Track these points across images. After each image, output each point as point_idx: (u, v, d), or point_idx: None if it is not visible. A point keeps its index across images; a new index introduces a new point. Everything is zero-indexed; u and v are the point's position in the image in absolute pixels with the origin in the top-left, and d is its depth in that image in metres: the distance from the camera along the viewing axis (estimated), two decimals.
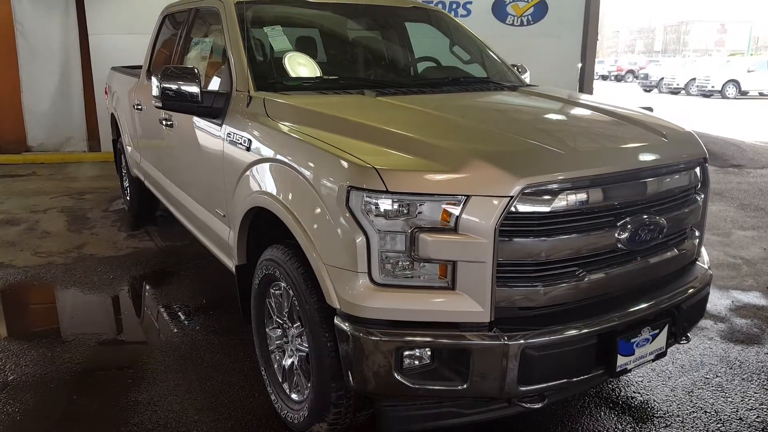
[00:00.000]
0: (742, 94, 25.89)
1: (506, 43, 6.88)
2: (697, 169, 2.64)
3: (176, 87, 3.02)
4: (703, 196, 2.69)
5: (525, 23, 10.33)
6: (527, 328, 2.09)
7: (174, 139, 3.92)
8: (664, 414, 2.89)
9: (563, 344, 2.10)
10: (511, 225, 2.03)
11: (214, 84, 3.22)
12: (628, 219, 2.26)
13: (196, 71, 3.06)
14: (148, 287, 4.45)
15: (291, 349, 2.62)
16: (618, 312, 2.26)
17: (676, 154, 2.53)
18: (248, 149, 2.74)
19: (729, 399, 3.02)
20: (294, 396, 2.63)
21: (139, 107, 4.81)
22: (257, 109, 2.82)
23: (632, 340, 2.29)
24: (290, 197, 2.41)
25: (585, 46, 9.83)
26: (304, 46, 3.60)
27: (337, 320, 2.15)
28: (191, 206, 3.76)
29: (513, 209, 2.01)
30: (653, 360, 2.44)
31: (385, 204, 2.02)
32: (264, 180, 2.62)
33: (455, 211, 2.00)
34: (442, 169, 2.06)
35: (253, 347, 2.96)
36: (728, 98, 25.21)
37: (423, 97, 3.08)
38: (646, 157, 2.38)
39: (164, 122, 3.95)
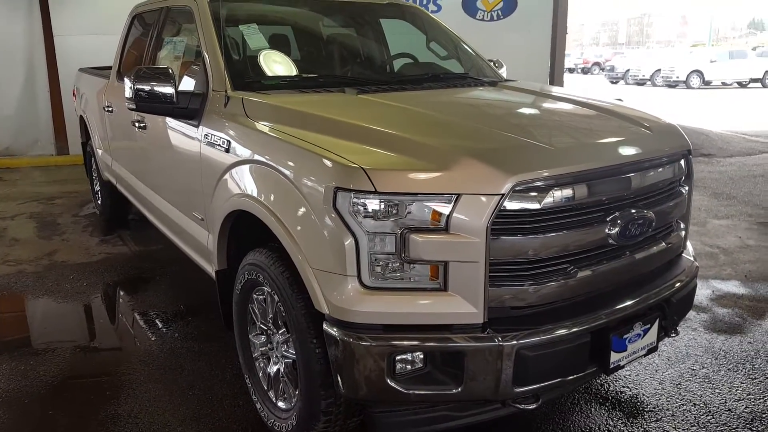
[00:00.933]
0: (706, 84, 26.32)
1: (477, 38, 6.82)
2: (682, 161, 2.62)
3: (150, 88, 2.91)
4: (687, 188, 2.67)
5: (495, 18, 10.32)
6: (520, 327, 2.04)
7: (147, 142, 3.80)
8: (654, 408, 2.87)
9: (557, 343, 2.06)
10: (502, 223, 1.98)
11: (189, 84, 3.11)
12: (617, 213, 2.22)
13: (170, 71, 2.95)
14: (123, 294, 4.31)
15: (276, 356, 2.54)
16: (609, 308, 2.23)
17: (662, 146, 2.51)
18: (227, 151, 2.65)
19: (717, 390, 3.02)
20: (281, 404, 2.55)
21: (110, 109, 4.67)
22: (235, 109, 2.73)
23: (624, 336, 2.26)
24: (273, 199, 2.32)
25: (555, 39, 9.85)
26: (279, 44, 3.50)
27: (325, 326, 2.08)
28: (167, 210, 3.65)
29: (504, 207, 1.96)
30: (645, 355, 2.42)
31: (374, 205, 1.95)
32: (245, 182, 2.53)
33: (446, 210, 1.94)
34: (431, 167, 1.99)
35: (235, 354, 2.87)
36: (693, 88, 25.61)
37: (404, 94, 3.02)
38: (634, 151, 2.34)
39: (137, 124, 3.83)
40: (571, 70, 39.16)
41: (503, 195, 1.93)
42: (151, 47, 4.00)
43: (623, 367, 2.33)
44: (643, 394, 2.98)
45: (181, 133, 3.17)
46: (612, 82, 30.44)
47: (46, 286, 4.38)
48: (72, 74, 6.63)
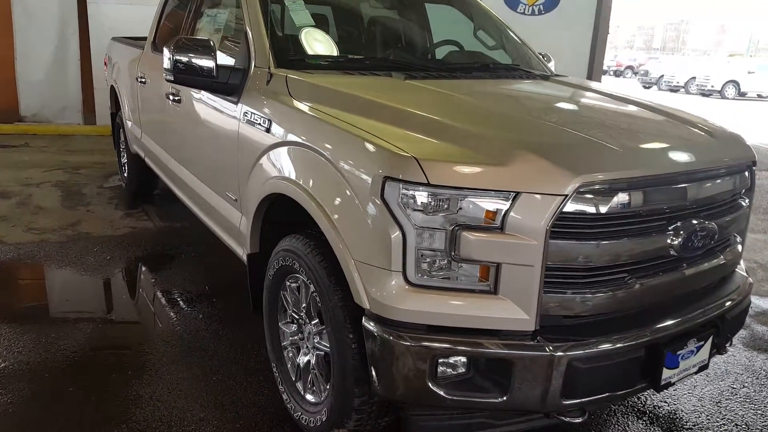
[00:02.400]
0: (741, 95, 25.75)
1: (516, 31, 6.67)
2: (746, 172, 2.48)
3: (189, 60, 2.82)
4: (748, 201, 2.53)
5: (536, 12, 10.11)
6: (571, 338, 1.93)
7: (181, 116, 3.72)
8: (694, 426, 2.75)
9: (610, 356, 1.95)
10: (561, 226, 1.86)
11: (229, 59, 3.02)
12: (680, 224, 2.09)
13: (211, 44, 2.86)
14: (146, 270, 4.26)
15: (307, 347, 2.45)
16: (665, 322, 2.11)
17: (729, 156, 2.37)
18: (268, 130, 2.55)
19: (759, 411, 2.89)
20: (309, 397, 2.47)
21: (143, 80, 4.59)
22: (278, 87, 2.63)
23: (678, 353, 2.14)
24: (315, 185, 2.22)
25: (595, 38, 9.63)
26: (322, 23, 3.39)
27: (365, 321, 1.98)
28: (198, 188, 3.57)
29: (565, 209, 1.84)
30: (695, 373, 2.29)
31: (425, 197, 1.84)
32: (285, 164, 2.43)
33: (502, 208, 1.83)
34: (489, 161, 1.88)
35: (261, 341, 2.79)
36: (727, 98, 25.07)
37: (455, 82, 2.90)
38: (702, 159, 2.21)
39: (171, 97, 3.75)
40: (603, 72, 38.11)
41: (566, 196, 1.82)
42: (190, 19, 3.91)
43: (673, 384, 2.22)
44: (682, 411, 2.86)
45: (218, 109, 3.08)
46: (645, 87, 29.88)
47: (68, 258, 4.33)
48: (104, 43, 6.58)
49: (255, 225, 2.73)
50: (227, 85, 2.87)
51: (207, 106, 3.22)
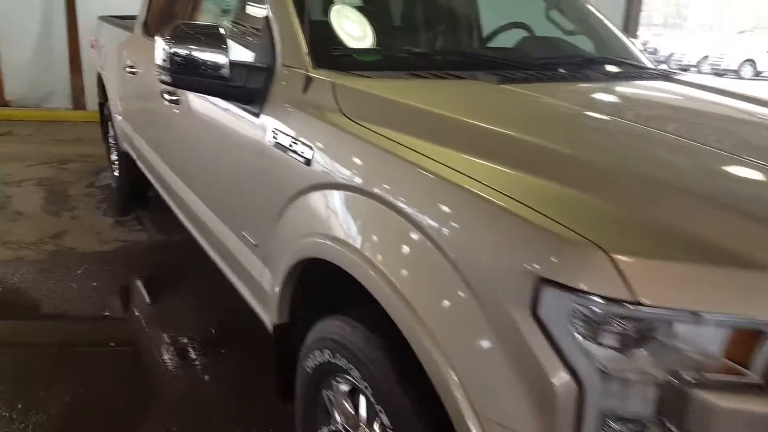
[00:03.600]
0: (758, 74, 24.44)
1: (537, 5, 5.76)
2: None
3: (191, 54, 1.94)
4: None
5: None
6: None
7: (180, 122, 2.82)
8: None
9: None
10: None
11: (245, 54, 2.15)
12: None
13: (221, 31, 1.98)
14: (139, 302, 3.39)
15: None
16: None
17: None
18: (308, 163, 1.68)
19: None
20: None
21: (132, 70, 3.68)
22: (322, 98, 1.75)
23: None
24: (395, 264, 1.36)
25: (628, 17, 8.65)
26: (369, 4, 2.49)
27: None
28: (203, 215, 2.70)
29: None
30: None
31: (626, 324, 1.00)
32: (338, 218, 1.57)
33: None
34: (746, 259, 1.03)
35: (288, 422, 1.96)
36: (744, 78, 23.78)
37: (570, 87, 2.02)
38: None
39: (167, 96, 2.85)
40: None
41: None
42: None
43: None
44: None
45: (232, 120, 2.20)
46: None
47: (47, 285, 3.45)
48: (92, 20, 5.59)
49: (286, 289, 1.88)
50: (244, 89, 1.99)
51: (216, 112, 2.34)
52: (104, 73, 4.72)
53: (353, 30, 2.09)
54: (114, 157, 5.01)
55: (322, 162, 1.64)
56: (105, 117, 5.15)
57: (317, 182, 1.66)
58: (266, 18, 2.08)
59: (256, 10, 2.25)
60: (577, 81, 2.14)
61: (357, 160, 1.54)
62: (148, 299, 3.42)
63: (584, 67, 2.33)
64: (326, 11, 2.08)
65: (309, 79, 1.81)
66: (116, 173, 5.02)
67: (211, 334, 3.04)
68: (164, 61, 1.99)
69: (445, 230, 1.24)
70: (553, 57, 2.45)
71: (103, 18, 5.13)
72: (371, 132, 1.54)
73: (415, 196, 1.35)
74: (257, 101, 1.99)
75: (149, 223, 4.54)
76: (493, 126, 1.49)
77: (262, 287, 2.11)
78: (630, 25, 8.50)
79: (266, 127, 1.93)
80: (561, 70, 2.21)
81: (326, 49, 1.98)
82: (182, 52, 1.96)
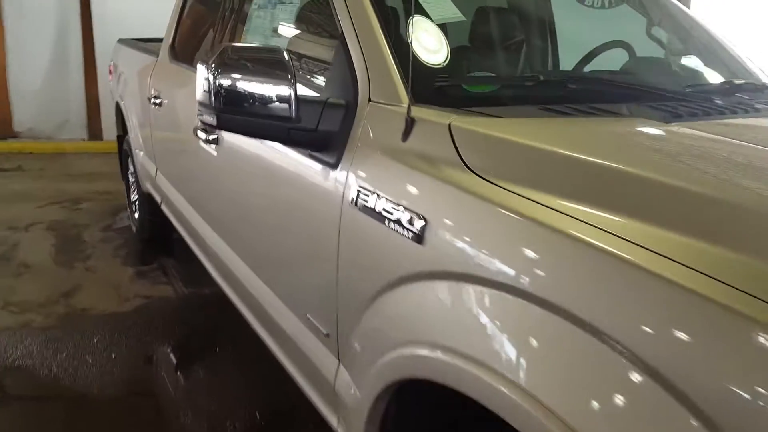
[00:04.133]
0: None
1: (576, 27, 5.32)
2: None
3: (246, 87, 1.56)
4: None
5: (605, 5, 8.70)
6: None
7: (220, 167, 2.43)
8: None
9: None
10: None
11: (306, 87, 1.76)
12: None
13: (285, 56, 1.58)
14: (167, 378, 2.99)
15: None
16: None
17: None
18: (419, 239, 1.27)
19: None
20: None
21: (157, 101, 3.33)
22: (435, 146, 1.33)
23: None
24: (591, 415, 0.93)
25: None
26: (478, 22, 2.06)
27: None
28: (250, 284, 2.28)
29: None
30: None
31: None
32: (472, 328, 1.14)
33: None
34: None
35: None
36: None
37: (757, 126, 1.58)
38: None
39: (202, 134, 2.48)
40: None
41: None
42: (231, 13, 2.64)
43: None
44: None
45: (295, 171, 1.80)
46: None
47: (56, 360, 3.07)
48: (111, 44, 5.31)
49: (376, 410, 1.45)
50: (316, 134, 1.59)
51: (270, 159, 1.95)
52: (123, 102, 4.40)
53: (460, 54, 1.69)
54: (134, 196, 4.67)
55: (442, 241, 1.22)
56: (124, 151, 4.83)
57: (433, 269, 1.24)
58: (341, 39, 1.69)
59: (322, 29, 1.86)
60: (748, 115, 1.69)
61: (504, 241, 1.11)
62: (178, 374, 3.02)
63: (735, 94, 1.89)
64: (423, 29, 1.68)
65: (411, 121, 1.39)
66: (136, 215, 4.68)
67: (255, 420, 2.62)
68: (207, 95, 1.61)
69: (669, 356, 0.82)
70: (697, 84, 2.02)
71: (122, 41, 4.84)
72: (521, 198, 1.12)
73: (610, 302, 0.93)
74: (333, 148, 1.59)
75: (174, 272, 4.17)
76: (701, 189, 1.05)
77: (335, 392, 1.68)
78: None
79: (348, 184, 1.52)
80: (717, 101, 1.78)
81: (427, 78, 1.57)
82: (233, 83, 1.58)
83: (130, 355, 3.16)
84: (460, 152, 1.27)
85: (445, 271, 1.21)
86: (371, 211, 1.41)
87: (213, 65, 1.59)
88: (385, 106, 1.51)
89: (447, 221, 1.23)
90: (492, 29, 1.97)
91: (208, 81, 1.60)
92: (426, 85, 1.52)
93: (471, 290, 1.16)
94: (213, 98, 1.60)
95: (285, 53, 1.59)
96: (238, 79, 1.58)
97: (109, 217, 5.28)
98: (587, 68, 2.44)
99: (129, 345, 3.25)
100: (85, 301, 3.75)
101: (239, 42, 2.40)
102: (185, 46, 3.26)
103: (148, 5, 6.75)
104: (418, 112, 1.40)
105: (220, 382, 2.94)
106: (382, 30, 1.62)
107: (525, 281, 1.05)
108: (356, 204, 1.47)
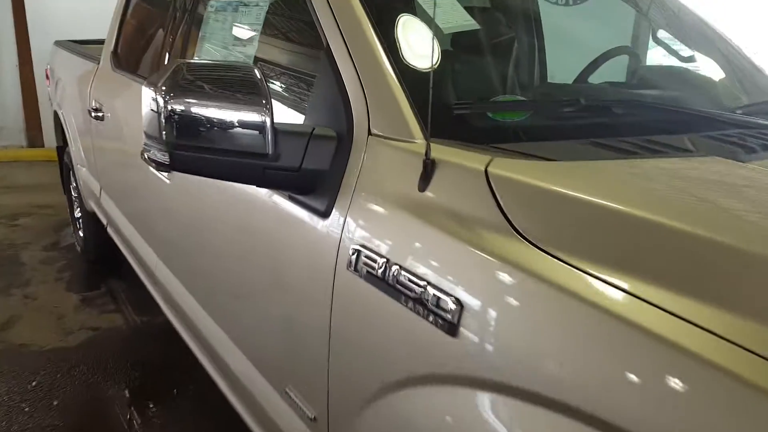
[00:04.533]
0: None
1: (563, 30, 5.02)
2: None
3: (208, 115, 1.18)
4: None
5: (570, 2, 8.50)
6: None
7: (176, 198, 2.02)
8: None
9: None
10: None
11: (286, 113, 1.38)
12: None
13: (259, 76, 1.20)
14: None
15: None
16: None
17: None
18: (453, 330, 0.91)
19: None
20: None
21: (99, 114, 2.87)
22: (465, 201, 0.97)
23: None
24: None
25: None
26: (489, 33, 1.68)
27: None
28: (213, 338, 1.86)
29: None
30: None
31: None
32: None
33: None
34: None
35: None
36: None
37: None
38: None
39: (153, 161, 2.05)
40: None
41: None
42: (179, 15, 2.22)
43: None
44: None
45: (272, 215, 1.42)
46: None
47: None
48: (48, 45, 4.75)
49: None
50: (300, 173, 1.22)
51: (238, 198, 1.56)
52: (62, 112, 3.89)
53: (478, 72, 1.33)
54: (78, 212, 4.18)
55: (484, 335, 0.87)
56: (65, 164, 4.31)
57: (469, 373, 0.89)
58: (326, 51, 1.31)
59: (300, 38, 1.48)
60: None
61: (577, 346, 0.77)
62: (132, 424, 2.59)
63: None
64: (432, 40, 1.31)
65: (431, 164, 1.03)
66: (80, 232, 4.19)
67: None
68: (156, 125, 1.21)
69: None
70: (748, 104, 1.71)
71: (60, 43, 4.30)
72: (599, 281, 0.78)
73: None
74: (322, 192, 1.22)
75: (124, 298, 3.71)
76: None
77: None
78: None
79: (343, 240, 1.15)
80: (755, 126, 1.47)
81: (444, 105, 1.21)
82: (190, 111, 1.19)
83: (75, 401, 2.71)
84: (506, 211, 0.92)
85: (486, 379, 0.87)
86: (379, 282, 1.05)
87: (164, 88, 1.20)
88: (392, 141, 1.15)
89: (491, 309, 0.88)
90: (513, 42, 1.61)
91: (158, 107, 1.21)
92: (441, 114, 1.16)
93: (524, 412, 0.82)
94: (164, 130, 1.21)
95: (257, 71, 1.21)
96: (198, 105, 1.19)
97: (50, 235, 4.74)
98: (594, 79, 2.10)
99: (73, 389, 2.80)
100: (23, 334, 3.27)
101: (194, 50, 1.98)
102: (130, 52, 2.82)
103: (91, 2, 6.19)
104: (439, 152, 1.04)
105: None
106: (379, 40, 1.25)
107: (618, 414, 0.71)
108: (355, 268, 1.11)
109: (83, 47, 3.82)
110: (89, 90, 3.06)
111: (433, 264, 0.97)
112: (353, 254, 1.11)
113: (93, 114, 2.91)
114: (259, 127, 1.18)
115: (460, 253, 0.93)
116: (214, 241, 1.78)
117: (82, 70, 3.34)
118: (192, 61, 1.41)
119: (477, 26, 1.37)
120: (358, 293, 1.10)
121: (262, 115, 1.18)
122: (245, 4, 1.73)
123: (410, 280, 0.98)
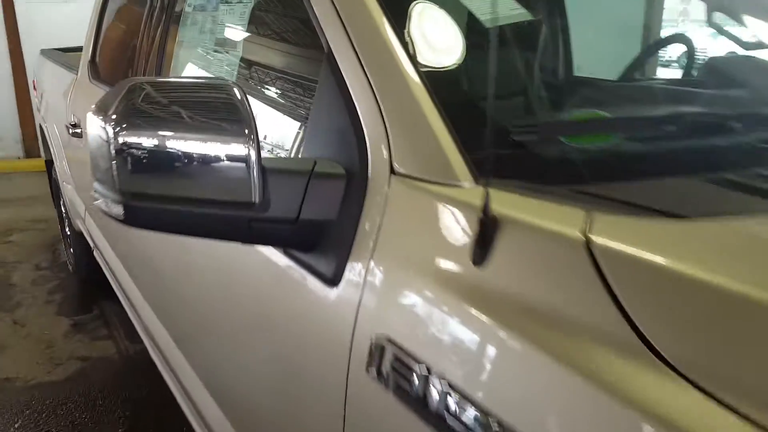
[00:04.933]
0: None
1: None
2: None
3: (174, 150, 0.82)
4: None
5: None
6: None
7: (153, 240, 1.67)
8: None
9: None
10: None
11: (276, 144, 1.03)
12: None
13: (239, 97, 0.84)
14: None
15: None
16: None
17: None
18: None
19: None
20: None
21: (77, 130, 2.50)
22: (553, 290, 0.61)
23: None
24: None
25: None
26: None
27: None
28: (201, 401, 1.53)
29: None
30: None
31: None
32: None
33: None
34: None
35: None
36: None
37: None
38: None
39: None
40: None
41: None
42: (159, 18, 1.85)
43: None
44: None
45: (267, 275, 1.07)
46: None
47: None
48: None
49: None
50: (297, 226, 0.86)
51: (222, 251, 1.20)
52: (46, 126, 3.52)
53: (543, 78, 0.95)
54: (67, 229, 3.82)
55: None
56: (53, 179, 3.95)
57: None
58: (328, 59, 0.95)
59: (298, 44, 1.11)
60: None
61: None
62: None
63: None
64: (474, 47, 0.92)
65: (492, 223, 0.67)
66: (71, 250, 3.84)
67: None
68: (106, 168, 0.86)
69: None
70: None
71: (45, 52, 3.92)
72: None
73: None
74: (328, 251, 0.86)
75: (117, 322, 3.35)
76: None
77: None
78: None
79: (359, 325, 0.79)
80: None
81: (496, 129, 0.84)
82: (149, 146, 0.83)
83: None
84: (629, 312, 0.55)
85: None
86: (417, 404, 0.69)
87: (114, 116, 0.84)
88: (425, 184, 0.78)
89: None
90: (564, 33, 1.24)
91: (107, 143, 0.85)
92: (502, 142, 0.79)
93: None
94: (116, 171, 0.85)
95: (236, 90, 0.85)
96: (158, 137, 0.83)
97: (43, 252, 4.39)
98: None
99: (60, 430, 2.46)
100: (9, 366, 2.93)
101: (174, 58, 1.61)
102: (108, 61, 2.45)
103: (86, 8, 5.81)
104: (500, 202, 0.68)
105: None
106: (400, 40, 0.89)
107: None
108: (378, 371, 0.75)
109: (67, 56, 3.45)
110: (69, 102, 2.69)
111: (507, 393, 0.60)
112: (376, 350, 0.75)
113: (71, 130, 2.54)
114: (241, 166, 0.82)
115: (560, 378, 0.57)
116: (196, 286, 1.42)
117: (64, 81, 2.97)
118: (150, 78, 1.04)
119: (528, 15, 1.00)
120: (386, 412, 0.74)
121: (244, 147, 0.82)
122: (227, 2, 1.36)
123: (472, 415, 0.62)
